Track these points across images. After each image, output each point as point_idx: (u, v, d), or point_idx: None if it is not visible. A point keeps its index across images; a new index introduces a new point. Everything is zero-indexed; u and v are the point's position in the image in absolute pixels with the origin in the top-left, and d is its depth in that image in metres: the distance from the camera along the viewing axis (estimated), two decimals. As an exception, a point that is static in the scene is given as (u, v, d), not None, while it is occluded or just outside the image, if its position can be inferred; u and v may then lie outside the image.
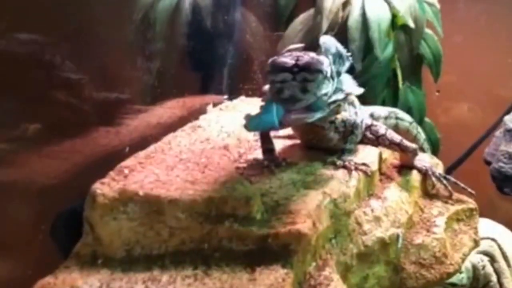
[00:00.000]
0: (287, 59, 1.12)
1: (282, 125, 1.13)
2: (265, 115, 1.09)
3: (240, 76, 2.08)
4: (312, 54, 1.16)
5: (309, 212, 1.05)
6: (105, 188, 1.04)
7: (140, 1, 1.83)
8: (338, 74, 1.25)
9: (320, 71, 1.12)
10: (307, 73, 1.10)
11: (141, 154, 1.22)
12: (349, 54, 1.30)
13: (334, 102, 1.23)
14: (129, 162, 1.17)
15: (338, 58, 1.24)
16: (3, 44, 1.18)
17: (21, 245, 1.23)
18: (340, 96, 1.24)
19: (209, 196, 1.03)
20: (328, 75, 1.15)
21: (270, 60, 1.14)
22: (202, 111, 1.69)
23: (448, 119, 2.43)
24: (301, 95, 1.08)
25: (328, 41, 1.23)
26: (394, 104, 2.02)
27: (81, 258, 1.02)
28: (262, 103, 1.14)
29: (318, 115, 1.14)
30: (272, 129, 1.17)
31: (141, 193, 1.03)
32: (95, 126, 1.49)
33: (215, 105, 1.73)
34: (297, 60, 1.11)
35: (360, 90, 1.33)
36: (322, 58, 1.16)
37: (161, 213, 1.02)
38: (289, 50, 1.19)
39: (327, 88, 1.15)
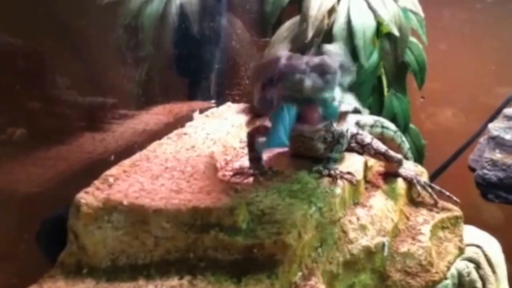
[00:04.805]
0: (298, 62, 1.08)
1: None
2: (274, 135, 1.07)
3: (226, 82, 2.08)
4: (320, 57, 1.13)
5: (294, 221, 1.05)
6: (89, 197, 1.03)
7: (126, 7, 1.83)
8: (342, 87, 1.22)
9: (335, 69, 1.09)
10: (325, 68, 1.07)
11: (126, 162, 1.21)
12: (353, 68, 1.25)
13: (345, 112, 1.25)
14: (113, 170, 1.16)
15: (341, 70, 1.19)
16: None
17: (5, 253, 1.22)
18: (349, 108, 1.25)
19: (193, 205, 1.03)
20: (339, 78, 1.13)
21: (278, 68, 1.10)
22: (188, 117, 1.69)
23: (433, 125, 2.44)
24: (322, 84, 1.06)
25: (333, 50, 1.22)
26: (380, 111, 2.03)
27: (66, 267, 1.01)
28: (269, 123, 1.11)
29: (328, 121, 1.14)
30: (282, 147, 1.14)
31: (125, 202, 1.02)
32: (81, 132, 1.48)
33: (201, 111, 1.72)
34: (308, 63, 1.08)
35: (366, 111, 1.33)
36: (330, 61, 1.13)
37: (146, 223, 1.02)
38: (277, 56, 1.14)
39: (339, 93, 1.14)
